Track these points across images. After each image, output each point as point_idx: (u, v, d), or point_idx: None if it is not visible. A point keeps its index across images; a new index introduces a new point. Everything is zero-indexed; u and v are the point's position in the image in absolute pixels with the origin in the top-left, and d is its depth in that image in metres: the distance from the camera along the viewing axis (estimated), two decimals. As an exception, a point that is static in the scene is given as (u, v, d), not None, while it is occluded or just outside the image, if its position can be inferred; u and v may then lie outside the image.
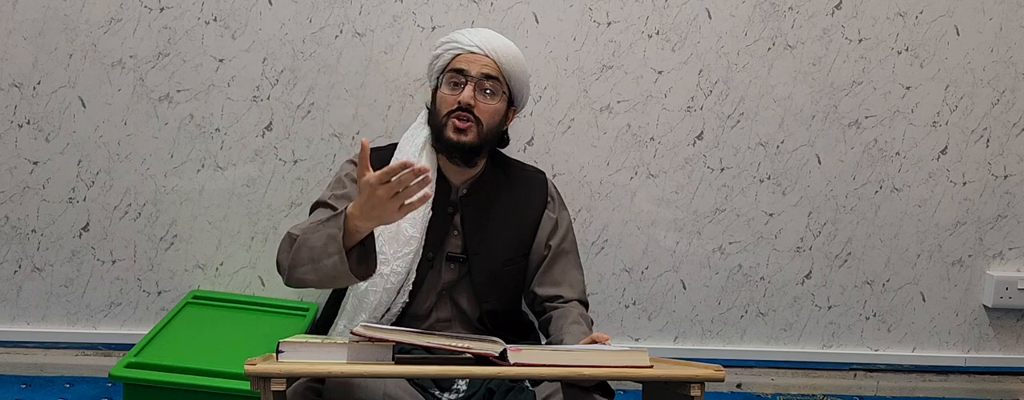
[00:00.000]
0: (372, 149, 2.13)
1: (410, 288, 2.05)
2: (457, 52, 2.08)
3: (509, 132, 2.17)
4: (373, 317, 2.02)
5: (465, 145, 2.04)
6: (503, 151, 2.21)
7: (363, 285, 2.00)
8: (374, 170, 1.69)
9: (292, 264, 1.86)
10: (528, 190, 2.19)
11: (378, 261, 1.90)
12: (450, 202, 2.10)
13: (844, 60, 2.66)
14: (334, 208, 2.01)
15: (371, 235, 1.81)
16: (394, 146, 2.15)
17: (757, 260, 2.75)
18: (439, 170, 2.11)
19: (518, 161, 2.26)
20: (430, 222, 2.06)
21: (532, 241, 2.15)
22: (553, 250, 2.15)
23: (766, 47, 2.63)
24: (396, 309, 2.05)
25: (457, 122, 2.03)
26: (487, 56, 2.06)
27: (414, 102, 2.55)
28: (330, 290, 2.21)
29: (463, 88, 2.04)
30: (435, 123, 2.07)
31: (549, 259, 2.15)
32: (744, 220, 2.72)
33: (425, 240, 2.05)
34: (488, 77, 2.05)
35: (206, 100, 2.52)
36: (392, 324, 2.05)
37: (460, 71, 2.05)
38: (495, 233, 2.11)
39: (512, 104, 2.14)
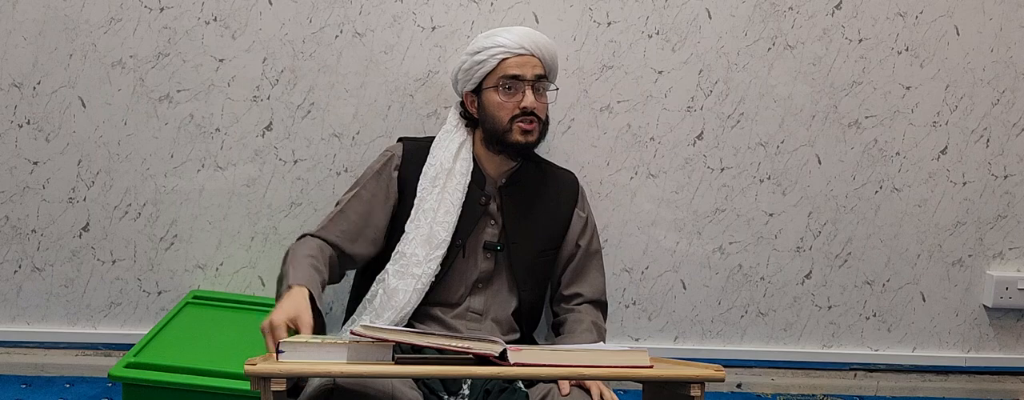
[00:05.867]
0: (409, 139, 2.27)
1: (434, 279, 2.10)
2: (504, 56, 2.11)
3: None
4: (403, 313, 2.07)
5: (532, 145, 2.14)
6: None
7: (393, 283, 2.06)
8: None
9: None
10: (560, 187, 2.28)
11: (413, 262, 2.05)
12: (485, 192, 2.17)
13: (844, 60, 2.66)
14: (347, 215, 2.14)
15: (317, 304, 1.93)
16: (430, 139, 2.22)
17: (757, 260, 2.75)
18: (475, 162, 2.18)
19: (547, 160, 2.35)
20: (465, 211, 2.12)
21: (563, 236, 2.24)
22: (582, 250, 2.24)
23: (766, 47, 2.63)
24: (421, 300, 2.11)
25: (523, 125, 2.10)
26: (534, 56, 2.12)
27: (414, 102, 2.55)
28: (351, 284, 2.32)
29: (522, 93, 2.10)
30: (495, 128, 2.13)
31: (578, 259, 2.24)
32: (744, 220, 2.72)
33: (457, 229, 2.10)
34: (540, 77, 2.13)
35: (206, 100, 2.52)
36: (421, 313, 2.11)
37: (516, 77, 2.10)
38: (532, 223, 2.19)
39: None
